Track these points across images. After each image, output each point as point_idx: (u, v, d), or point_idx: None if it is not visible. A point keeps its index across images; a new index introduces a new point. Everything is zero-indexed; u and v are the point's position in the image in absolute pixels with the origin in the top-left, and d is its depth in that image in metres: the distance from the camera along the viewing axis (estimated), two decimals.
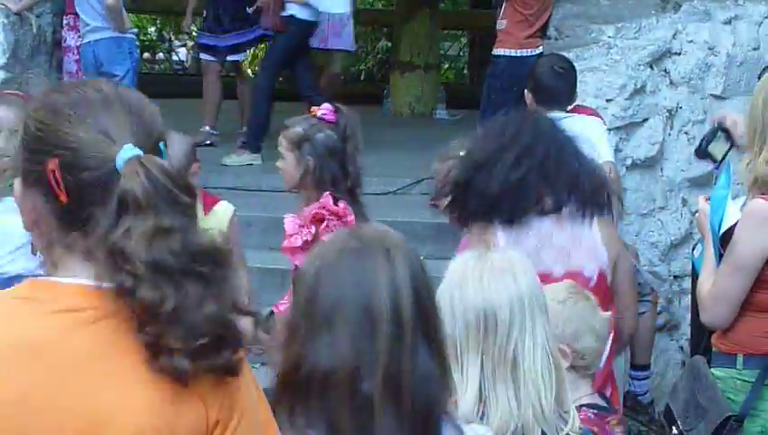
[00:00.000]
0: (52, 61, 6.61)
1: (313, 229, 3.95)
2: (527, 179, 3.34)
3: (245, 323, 1.69)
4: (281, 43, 7.68)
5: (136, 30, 6.34)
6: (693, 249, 4.01)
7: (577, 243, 3.34)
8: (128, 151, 1.64)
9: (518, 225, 3.33)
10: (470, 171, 3.43)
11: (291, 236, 4.00)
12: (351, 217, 3.98)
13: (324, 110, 4.02)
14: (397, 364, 1.83)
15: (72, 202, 1.64)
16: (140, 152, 1.64)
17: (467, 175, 3.43)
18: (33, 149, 1.70)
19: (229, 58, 8.15)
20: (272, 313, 3.75)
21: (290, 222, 3.99)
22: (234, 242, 3.94)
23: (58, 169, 1.64)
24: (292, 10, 7.48)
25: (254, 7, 7.89)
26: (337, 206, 3.96)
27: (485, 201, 3.35)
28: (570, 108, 5.26)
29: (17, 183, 1.72)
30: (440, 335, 1.94)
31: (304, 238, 3.95)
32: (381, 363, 1.83)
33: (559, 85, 5.09)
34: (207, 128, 7.99)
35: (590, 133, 5.04)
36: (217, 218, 4.02)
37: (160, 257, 1.58)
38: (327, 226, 3.94)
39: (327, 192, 3.93)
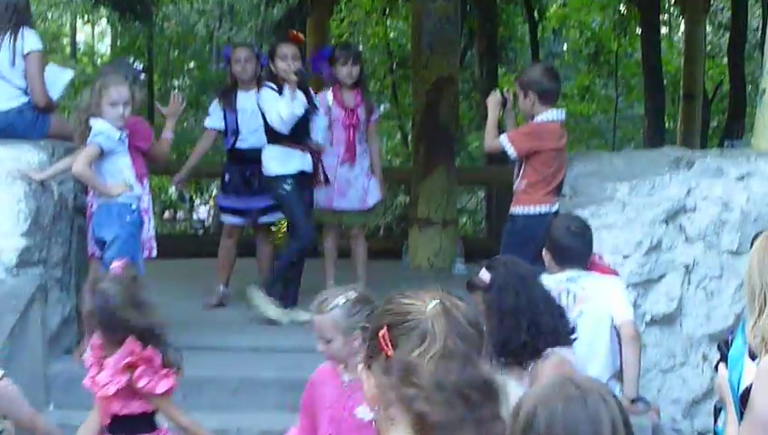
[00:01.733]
0: (74, 227, 6.68)
1: (127, 377, 4.18)
2: None
3: None
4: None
5: (135, 193, 6.35)
6: (715, 413, 3.99)
7: None
8: (435, 302, 2.28)
9: None
10: None
11: (104, 385, 4.19)
12: (158, 361, 4.28)
13: (115, 265, 4.20)
14: None
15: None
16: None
17: None
18: (372, 328, 2.32)
19: (263, 220, 8.25)
20: None
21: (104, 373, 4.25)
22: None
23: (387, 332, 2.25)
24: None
25: None
26: (145, 350, 4.22)
27: None
28: (588, 265, 5.32)
29: (362, 371, 2.33)
30: None
31: (117, 386, 4.23)
32: None
33: (575, 245, 5.15)
34: (222, 287, 8.12)
35: (608, 291, 5.09)
36: None
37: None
38: (140, 374, 4.15)
39: (131, 338, 4.15)
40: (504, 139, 6.53)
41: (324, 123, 7.83)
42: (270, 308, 7.37)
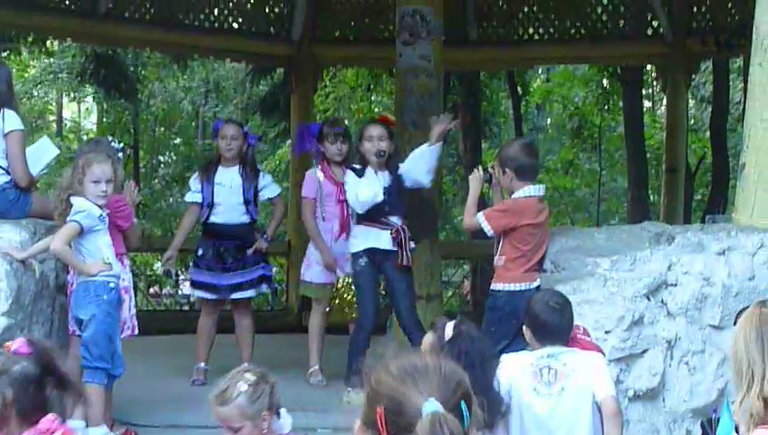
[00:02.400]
0: (55, 305, 6.66)
1: None
2: None
3: None
4: (408, 280, 7.83)
5: (114, 271, 6.35)
6: None
7: None
8: (431, 406, 2.32)
9: None
10: None
11: None
12: None
13: (18, 344, 4.17)
14: None
15: None
16: (441, 408, 2.33)
17: None
18: (371, 398, 2.47)
19: (235, 296, 8.26)
20: None
21: None
22: None
23: (383, 414, 2.38)
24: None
25: (253, 249, 8.18)
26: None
27: None
28: (569, 340, 5.31)
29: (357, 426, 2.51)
30: None
31: None
32: None
33: (555, 321, 5.15)
34: (203, 364, 8.11)
35: (590, 367, 5.08)
36: None
37: None
38: None
39: (49, 416, 4.11)
40: (480, 216, 6.57)
41: None
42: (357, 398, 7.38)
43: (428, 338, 4.64)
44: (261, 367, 3.98)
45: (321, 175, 8.27)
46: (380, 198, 7.55)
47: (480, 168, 6.99)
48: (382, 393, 2.47)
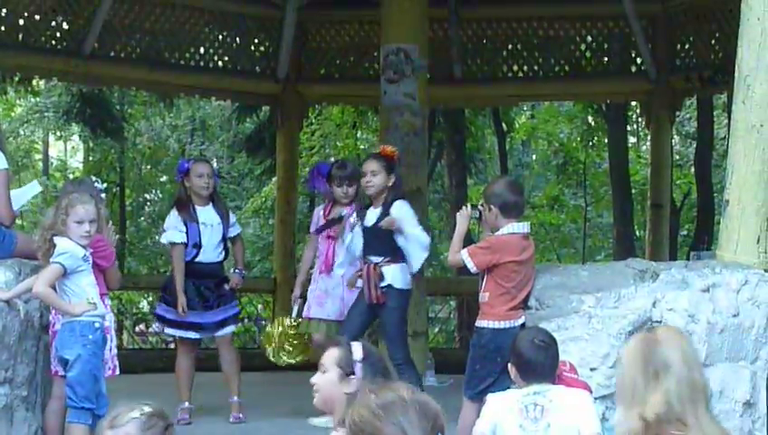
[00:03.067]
0: (39, 345, 6.63)
1: None
2: None
3: None
4: (390, 317, 7.73)
5: (99, 311, 6.34)
6: None
7: None
8: None
9: None
10: None
11: None
12: None
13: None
14: None
15: None
16: None
17: None
18: (353, 432, 2.67)
19: (221, 333, 8.27)
20: None
21: None
22: None
23: None
24: (389, 279, 7.67)
25: (231, 285, 8.22)
26: None
27: None
28: (555, 378, 5.32)
29: None
30: None
31: None
32: None
33: (540, 359, 5.15)
34: (186, 403, 8.10)
35: (576, 404, 5.08)
36: None
37: None
38: None
39: None
40: (464, 253, 6.60)
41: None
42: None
43: (333, 353, 4.63)
44: (162, 408, 3.92)
45: (321, 213, 8.38)
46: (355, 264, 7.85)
47: (468, 205, 7.00)
48: (364, 429, 2.62)
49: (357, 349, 4.58)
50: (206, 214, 8.24)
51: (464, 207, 6.95)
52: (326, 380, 4.55)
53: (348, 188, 8.23)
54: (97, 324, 6.30)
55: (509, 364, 5.28)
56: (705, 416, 3.65)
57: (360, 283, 7.73)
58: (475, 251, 6.60)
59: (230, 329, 8.39)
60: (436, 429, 2.56)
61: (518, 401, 5.04)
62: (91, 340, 6.25)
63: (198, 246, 8.20)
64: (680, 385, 3.60)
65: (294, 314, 8.39)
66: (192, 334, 8.26)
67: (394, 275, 7.63)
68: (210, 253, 8.23)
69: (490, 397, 5.29)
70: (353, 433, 2.63)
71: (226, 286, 8.32)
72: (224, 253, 8.41)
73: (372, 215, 7.74)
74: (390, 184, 7.74)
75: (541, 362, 5.14)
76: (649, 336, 3.75)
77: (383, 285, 7.59)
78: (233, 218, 8.61)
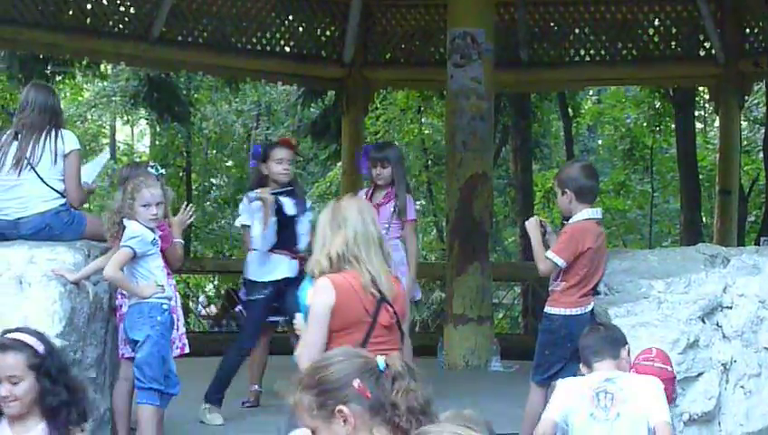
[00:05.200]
0: (108, 327, 6.69)
1: None
2: None
3: None
4: None
5: (167, 293, 6.38)
6: None
7: None
8: None
9: None
10: None
11: None
12: None
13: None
14: None
15: None
16: None
17: None
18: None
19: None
20: None
21: None
22: None
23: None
24: None
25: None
26: None
27: None
28: (631, 365, 5.31)
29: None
30: None
31: None
32: None
33: (592, 339, 5.26)
34: (256, 386, 8.11)
35: (646, 392, 5.03)
36: None
37: None
38: None
39: None
40: (550, 254, 6.42)
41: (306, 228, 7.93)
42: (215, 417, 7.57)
43: None
44: None
45: (363, 196, 8.32)
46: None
47: (535, 217, 6.92)
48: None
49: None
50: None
51: (531, 218, 6.82)
52: None
53: (381, 170, 8.16)
54: (165, 306, 6.35)
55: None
56: (376, 256, 5.08)
57: None
58: (560, 248, 6.45)
59: None
60: None
61: (590, 389, 5.02)
62: (159, 321, 6.29)
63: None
64: (355, 233, 5.07)
65: None
66: (272, 317, 8.24)
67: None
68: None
69: (560, 383, 5.27)
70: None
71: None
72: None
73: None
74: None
75: (593, 341, 5.18)
76: (336, 202, 5.28)
77: None
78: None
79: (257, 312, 7.88)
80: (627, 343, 5.35)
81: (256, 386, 8.14)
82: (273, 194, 7.76)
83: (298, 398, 3.26)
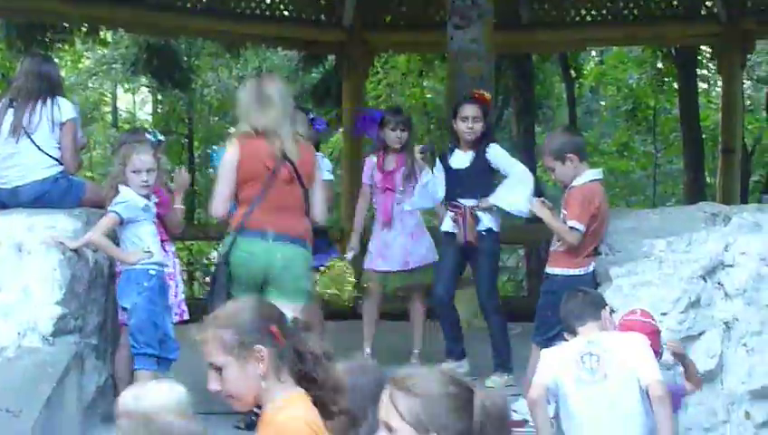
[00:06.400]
0: (109, 295, 6.68)
1: None
2: None
3: None
4: (489, 263, 7.76)
5: (155, 259, 6.35)
6: None
7: None
8: None
9: None
10: None
11: None
12: None
13: None
14: None
15: None
16: None
17: None
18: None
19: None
20: None
21: None
22: None
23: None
24: (488, 223, 7.64)
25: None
26: None
27: None
28: (619, 321, 5.29)
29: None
30: None
31: None
32: None
33: (573, 303, 5.24)
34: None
35: (632, 351, 4.98)
36: None
37: None
38: None
39: None
40: (573, 223, 6.40)
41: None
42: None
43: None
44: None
45: (375, 162, 8.26)
46: (430, 204, 7.96)
47: (535, 199, 6.89)
48: None
49: None
50: None
51: (533, 201, 6.79)
52: None
53: (402, 133, 8.13)
54: (152, 271, 6.31)
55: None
56: (288, 126, 6.23)
57: (451, 226, 7.68)
58: (578, 214, 6.40)
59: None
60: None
61: (573, 353, 4.99)
62: (146, 287, 6.26)
63: None
64: (276, 111, 6.13)
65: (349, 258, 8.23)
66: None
67: (492, 218, 7.61)
68: None
69: (545, 351, 5.26)
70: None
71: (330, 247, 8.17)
72: None
73: (465, 158, 7.70)
74: (484, 130, 7.75)
75: (573, 307, 5.16)
76: (258, 80, 6.44)
77: (481, 228, 7.58)
78: (327, 164, 8.47)
79: None
80: (606, 304, 5.33)
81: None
82: None
83: (213, 333, 3.31)
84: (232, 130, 7.40)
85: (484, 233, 7.58)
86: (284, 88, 6.41)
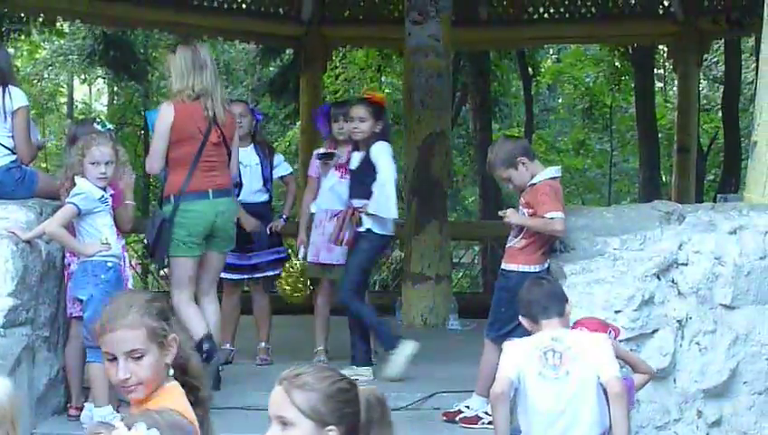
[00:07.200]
0: (61, 286, 6.62)
1: None
2: None
3: None
4: (358, 259, 7.64)
5: (114, 252, 6.30)
6: None
7: None
8: None
9: None
10: None
11: None
12: None
13: None
14: None
15: None
16: None
17: None
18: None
19: (258, 275, 8.20)
20: None
21: None
22: None
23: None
24: (368, 224, 7.54)
25: (271, 228, 8.10)
26: None
27: None
28: (575, 321, 5.29)
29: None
30: None
31: None
32: None
33: (537, 293, 5.20)
34: (228, 345, 8.06)
35: (594, 349, 5.02)
36: None
37: None
38: None
39: None
40: (554, 214, 6.26)
41: None
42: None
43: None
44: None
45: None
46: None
47: (507, 209, 6.80)
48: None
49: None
50: (244, 154, 8.08)
51: (506, 211, 6.70)
52: None
53: (345, 124, 8.07)
54: (110, 264, 6.27)
55: (520, 317, 5.25)
56: (219, 91, 6.85)
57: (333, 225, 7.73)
58: (553, 205, 6.28)
59: (267, 273, 8.26)
60: None
61: (536, 349, 4.99)
62: (103, 279, 6.22)
63: (239, 185, 8.07)
64: (211, 74, 6.77)
65: (301, 257, 8.25)
66: (227, 275, 8.16)
67: (374, 221, 7.55)
68: (250, 194, 8.15)
69: (507, 344, 5.25)
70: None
71: (268, 230, 8.18)
72: (267, 194, 8.31)
73: (356, 158, 7.67)
74: (377, 130, 7.66)
75: (539, 295, 5.14)
76: (192, 47, 6.84)
77: (362, 229, 7.53)
78: (278, 158, 8.48)
79: None
80: (568, 298, 5.34)
81: (228, 345, 8.07)
82: None
83: (143, 321, 3.39)
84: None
85: (364, 232, 7.55)
86: (210, 55, 7.07)
